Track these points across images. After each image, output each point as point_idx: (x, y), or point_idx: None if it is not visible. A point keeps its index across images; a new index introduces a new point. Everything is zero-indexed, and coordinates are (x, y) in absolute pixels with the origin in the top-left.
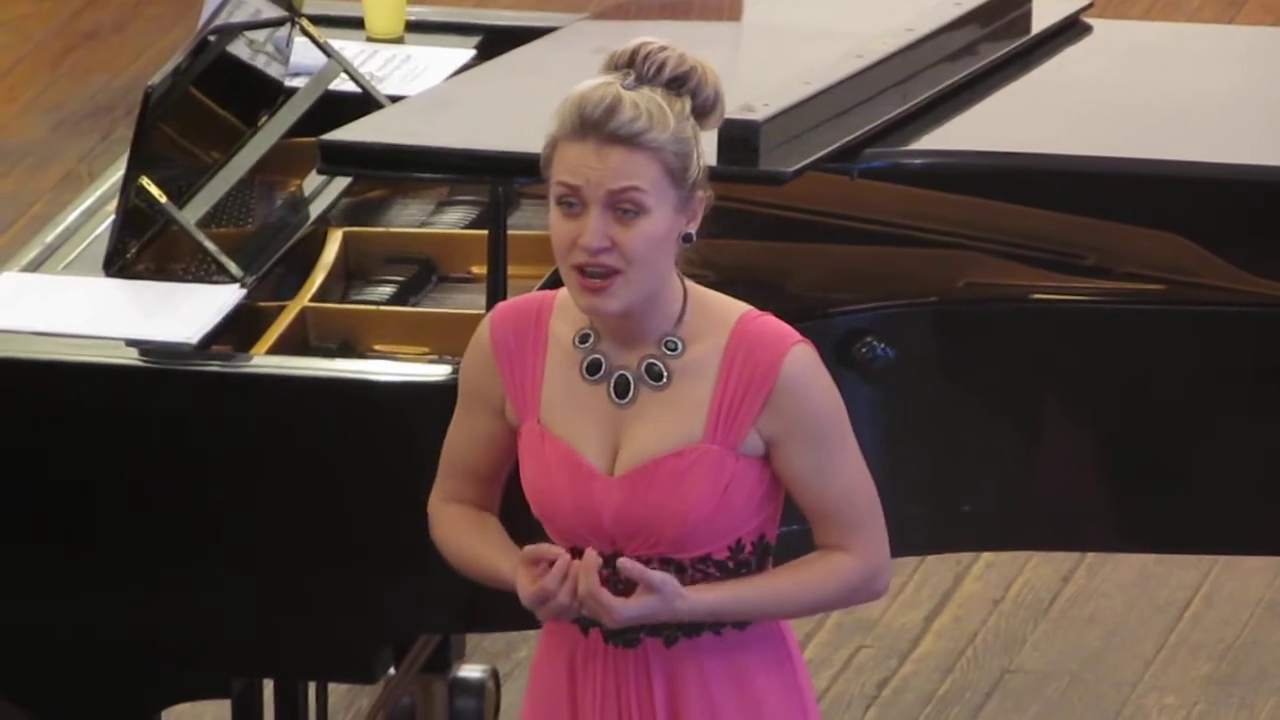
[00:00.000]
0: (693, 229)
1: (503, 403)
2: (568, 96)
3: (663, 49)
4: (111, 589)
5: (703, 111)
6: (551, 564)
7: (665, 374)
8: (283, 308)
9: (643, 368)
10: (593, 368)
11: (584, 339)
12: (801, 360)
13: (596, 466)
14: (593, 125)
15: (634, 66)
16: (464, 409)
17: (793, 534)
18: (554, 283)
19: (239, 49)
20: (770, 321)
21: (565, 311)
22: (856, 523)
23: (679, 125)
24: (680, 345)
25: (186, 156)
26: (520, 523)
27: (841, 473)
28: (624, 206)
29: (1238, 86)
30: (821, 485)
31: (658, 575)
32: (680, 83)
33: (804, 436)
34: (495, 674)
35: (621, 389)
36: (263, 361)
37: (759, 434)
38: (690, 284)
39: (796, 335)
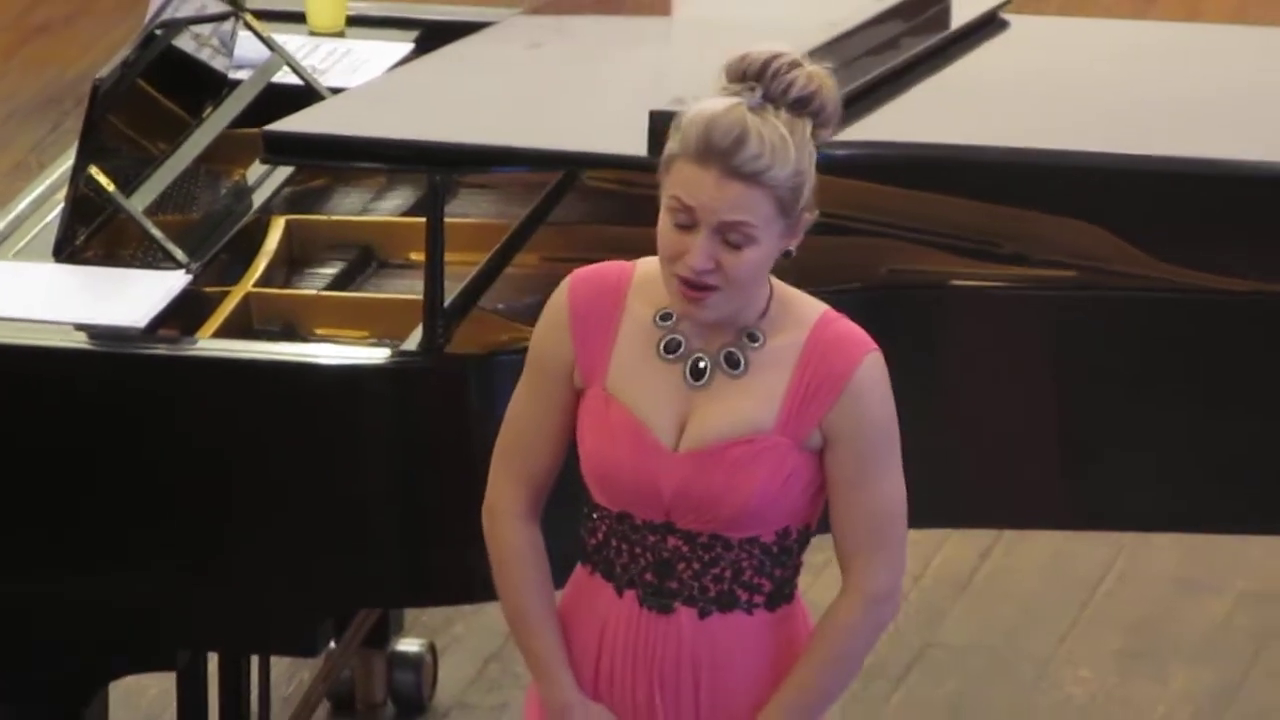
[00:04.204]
0: (793, 245)
1: (572, 368)
2: (697, 114)
3: (793, 67)
4: (56, 565)
5: (822, 124)
6: None
7: (743, 363)
8: (227, 293)
9: (721, 356)
10: (671, 346)
11: (665, 317)
12: (875, 367)
13: (661, 440)
14: (718, 155)
15: (762, 82)
16: (535, 381)
17: None
18: (492, 270)
19: (185, 43)
20: (850, 324)
21: (644, 287)
22: (874, 540)
23: (798, 157)
24: (762, 338)
25: (134, 147)
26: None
27: (877, 485)
28: (733, 238)
29: (1149, 79)
30: (854, 491)
31: None
32: (804, 103)
33: (857, 440)
34: (433, 648)
35: (698, 373)
36: (208, 345)
37: (821, 430)
38: (776, 281)
39: (873, 343)
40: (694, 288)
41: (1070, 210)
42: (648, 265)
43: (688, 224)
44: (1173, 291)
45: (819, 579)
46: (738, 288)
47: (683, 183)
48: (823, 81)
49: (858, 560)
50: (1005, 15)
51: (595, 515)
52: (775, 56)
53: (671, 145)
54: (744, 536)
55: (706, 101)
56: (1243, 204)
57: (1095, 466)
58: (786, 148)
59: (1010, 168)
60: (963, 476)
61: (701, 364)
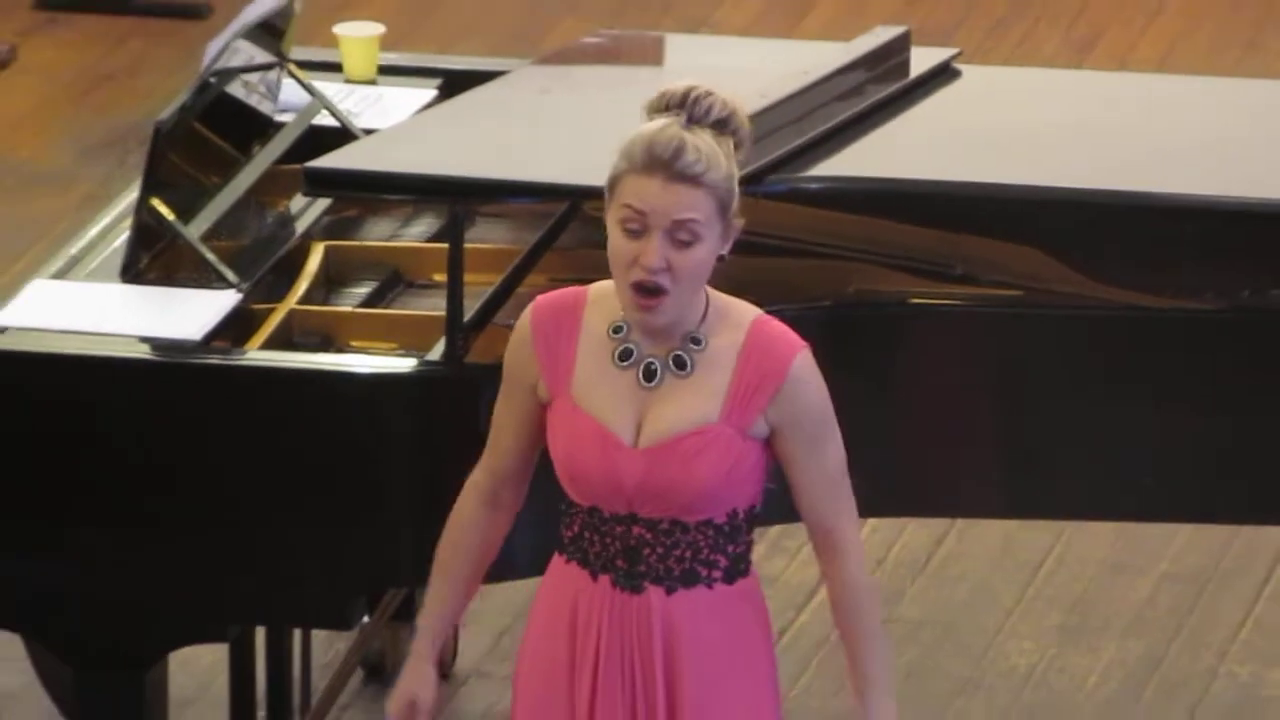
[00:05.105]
0: (726, 250)
1: (537, 382)
2: (636, 136)
3: (709, 94)
4: (123, 550)
5: (739, 144)
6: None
7: (689, 364)
8: (272, 310)
9: (670, 359)
10: (624, 355)
11: (617, 330)
12: (806, 362)
13: (623, 439)
14: (662, 164)
15: (685, 108)
16: (506, 391)
17: (769, 492)
18: (506, 290)
19: (236, 89)
20: (781, 326)
21: (599, 306)
22: (836, 494)
23: (728, 165)
24: (704, 340)
25: (191, 181)
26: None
27: (827, 456)
28: (682, 236)
29: (1084, 120)
30: (810, 464)
31: None
32: (724, 124)
33: (802, 424)
34: None
35: (649, 375)
36: (255, 355)
37: (766, 421)
38: (711, 290)
39: (802, 341)
40: (648, 293)
41: (1015, 236)
42: (600, 287)
43: (639, 230)
44: (1106, 308)
45: (795, 559)
46: (685, 287)
47: (633, 193)
48: (738, 105)
49: (834, 519)
50: (958, 65)
51: (570, 511)
52: (692, 87)
53: (616, 168)
54: (699, 520)
55: (642, 127)
56: (1168, 231)
57: (1037, 463)
58: (718, 158)
59: (962, 199)
60: (921, 472)
61: (652, 367)
